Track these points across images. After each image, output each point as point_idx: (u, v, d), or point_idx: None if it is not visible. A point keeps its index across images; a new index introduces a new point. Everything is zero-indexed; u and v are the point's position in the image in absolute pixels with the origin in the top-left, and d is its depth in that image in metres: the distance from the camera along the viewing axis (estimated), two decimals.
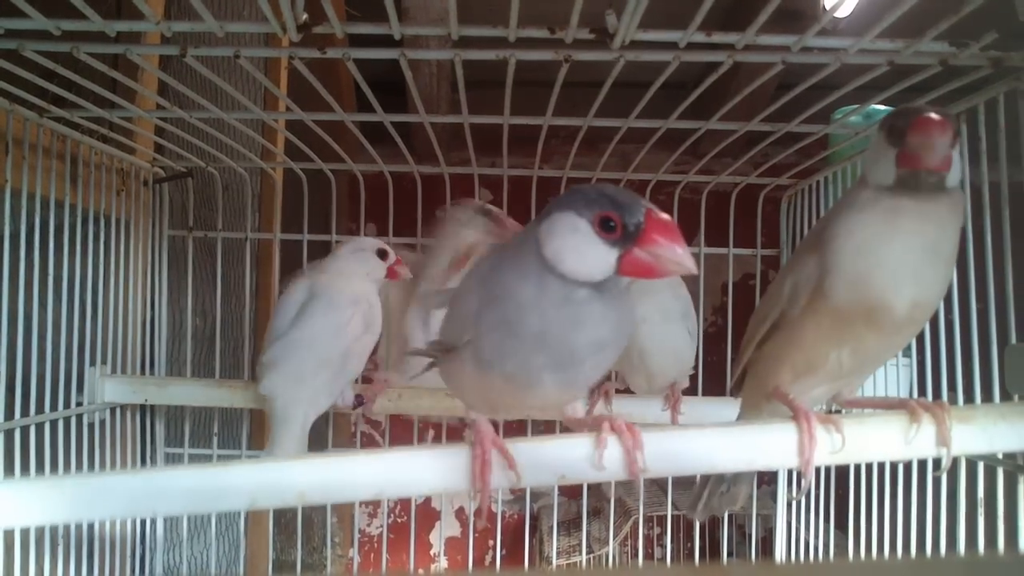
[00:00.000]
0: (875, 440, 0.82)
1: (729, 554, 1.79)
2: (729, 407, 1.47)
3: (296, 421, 1.28)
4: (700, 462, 0.84)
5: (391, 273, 1.36)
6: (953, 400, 1.12)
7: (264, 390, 1.29)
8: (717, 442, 0.84)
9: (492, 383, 0.76)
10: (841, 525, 1.49)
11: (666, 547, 1.81)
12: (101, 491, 0.84)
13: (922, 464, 1.22)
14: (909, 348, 1.28)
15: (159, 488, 0.84)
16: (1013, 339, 1.02)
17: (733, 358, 1.64)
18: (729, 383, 1.63)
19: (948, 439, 0.80)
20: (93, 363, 1.41)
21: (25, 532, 1.17)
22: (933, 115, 0.81)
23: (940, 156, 0.80)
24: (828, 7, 0.90)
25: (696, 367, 1.58)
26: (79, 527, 1.33)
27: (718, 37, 0.95)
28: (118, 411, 1.48)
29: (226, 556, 1.74)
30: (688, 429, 0.87)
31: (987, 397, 1.06)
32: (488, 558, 3.23)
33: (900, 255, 0.82)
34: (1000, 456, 1.04)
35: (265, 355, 1.30)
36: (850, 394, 0.95)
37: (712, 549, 2.46)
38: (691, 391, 1.57)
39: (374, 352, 1.41)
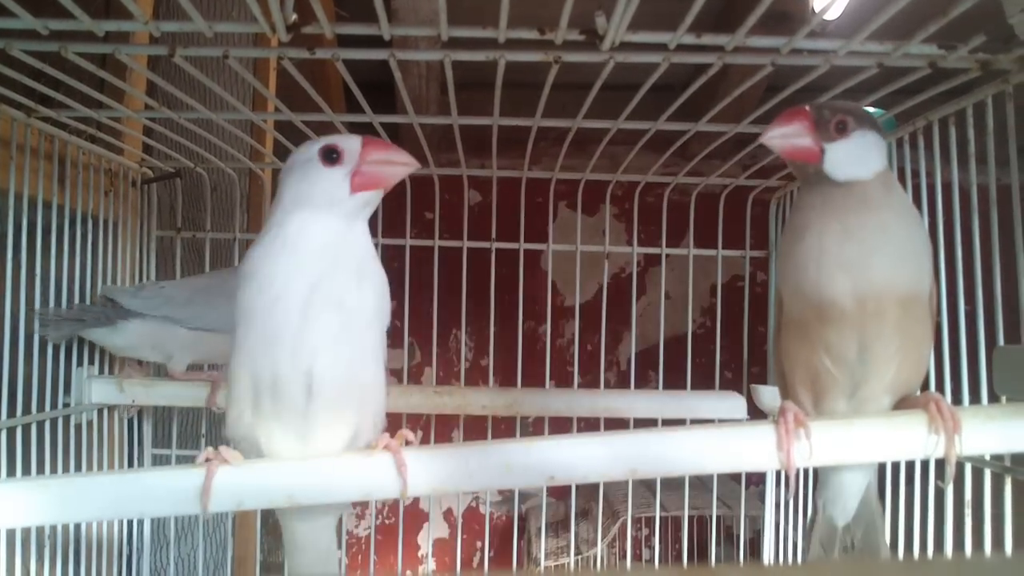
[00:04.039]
0: (863, 441, 0.83)
1: (717, 556, 1.79)
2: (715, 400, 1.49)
3: None
4: (687, 464, 0.85)
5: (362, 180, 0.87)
6: None
7: None
8: (703, 444, 0.84)
9: None
10: None
11: (654, 548, 1.81)
12: (88, 492, 0.83)
13: (910, 466, 1.22)
14: None
15: (146, 489, 0.83)
16: (1001, 341, 1.02)
17: (722, 359, 1.66)
18: (717, 381, 1.64)
19: (953, 455, 0.80)
20: (81, 364, 1.41)
21: (11, 533, 1.17)
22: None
23: (783, 144, 0.86)
24: (817, 9, 0.91)
25: (685, 367, 1.59)
26: (66, 528, 1.32)
27: (708, 39, 0.95)
28: (105, 412, 1.48)
29: (213, 558, 1.73)
30: (674, 431, 0.88)
31: (975, 399, 1.06)
32: (476, 560, 3.23)
33: (819, 249, 0.84)
34: (987, 457, 1.04)
35: None
36: (876, 407, 0.89)
37: (700, 551, 2.46)
38: (680, 387, 1.59)
39: None
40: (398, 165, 0.87)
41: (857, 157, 0.85)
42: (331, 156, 0.85)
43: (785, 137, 0.86)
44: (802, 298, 0.85)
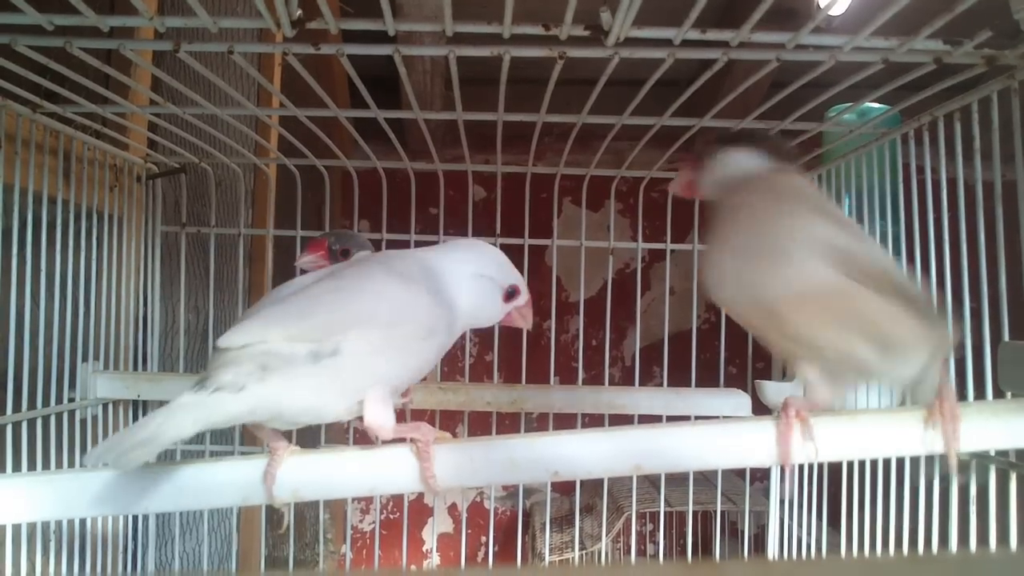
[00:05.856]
0: (867, 436, 0.83)
1: (721, 551, 1.79)
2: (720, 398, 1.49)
3: None
4: (690, 459, 0.85)
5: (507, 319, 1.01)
6: None
7: None
8: (707, 439, 0.84)
9: None
10: (834, 522, 1.49)
11: (658, 544, 1.81)
12: (93, 487, 0.83)
13: (915, 461, 1.22)
14: None
15: (151, 485, 0.84)
16: (1006, 336, 1.02)
17: (726, 355, 1.66)
18: (721, 376, 1.64)
19: (953, 453, 0.80)
20: (85, 359, 1.41)
21: (16, 528, 1.17)
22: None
23: (677, 190, 0.99)
24: (823, 5, 0.90)
25: (689, 363, 1.59)
26: (70, 523, 1.33)
27: (713, 34, 0.95)
28: (110, 407, 1.48)
29: (218, 552, 1.73)
30: (678, 426, 0.88)
31: (980, 394, 1.06)
32: (480, 554, 3.24)
33: (718, 267, 0.86)
34: (992, 453, 1.04)
35: None
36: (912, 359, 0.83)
37: (704, 546, 2.47)
38: (685, 383, 1.59)
39: None
40: (527, 321, 1.00)
41: (713, 178, 0.94)
42: (511, 294, 0.97)
43: (678, 182, 0.99)
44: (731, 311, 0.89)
